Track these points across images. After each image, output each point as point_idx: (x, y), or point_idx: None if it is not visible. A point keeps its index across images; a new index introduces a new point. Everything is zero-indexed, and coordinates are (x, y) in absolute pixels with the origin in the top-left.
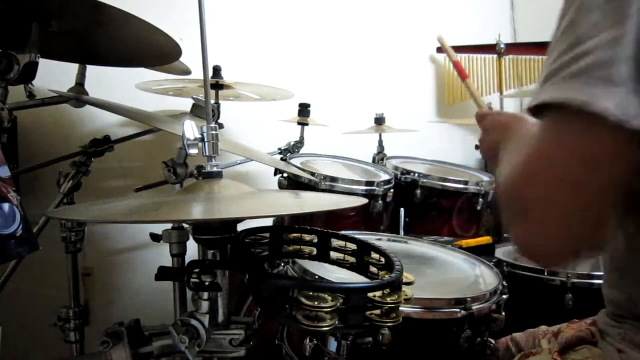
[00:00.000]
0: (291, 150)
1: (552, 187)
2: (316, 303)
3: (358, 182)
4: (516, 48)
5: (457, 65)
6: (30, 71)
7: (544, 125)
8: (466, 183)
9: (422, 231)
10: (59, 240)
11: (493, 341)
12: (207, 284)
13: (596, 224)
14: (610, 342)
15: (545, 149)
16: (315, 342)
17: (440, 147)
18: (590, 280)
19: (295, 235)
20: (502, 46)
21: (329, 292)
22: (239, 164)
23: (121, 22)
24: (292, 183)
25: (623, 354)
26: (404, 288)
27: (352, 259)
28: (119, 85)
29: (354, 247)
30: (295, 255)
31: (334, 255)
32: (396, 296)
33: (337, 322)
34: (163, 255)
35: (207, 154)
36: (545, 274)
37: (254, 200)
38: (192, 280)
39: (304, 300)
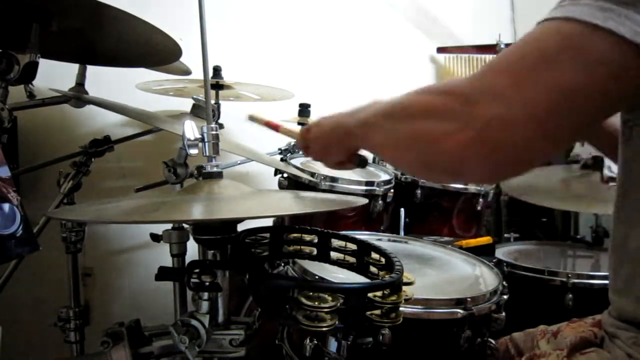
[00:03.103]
0: (291, 150)
1: (546, 89)
2: (316, 303)
3: (358, 182)
4: None
5: (268, 125)
6: (30, 71)
7: (544, 29)
8: (466, 183)
9: (422, 231)
10: (59, 240)
11: (493, 341)
12: (207, 284)
13: (568, 136)
14: (620, 345)
15: (546, 50)
16: (315, 342)
17: None
18: (590, 280)
19: (295, 235)
20: (502, 46)
21: (329, 292)
22: (239, 164)
23: (121, 22)
24: (292, 183)
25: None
26: (404, 288)
27: (352, 259)
28: (119, 85)
29: (354, 247)
30: (295, 255)
31: (334, 255)
32: (396, 296)
33: (337, 322)
34: (163, 255)
35: (207, 154)
36: (545, 274)
37: (254, 200)
38: (192, 280)
39: (304, 300)
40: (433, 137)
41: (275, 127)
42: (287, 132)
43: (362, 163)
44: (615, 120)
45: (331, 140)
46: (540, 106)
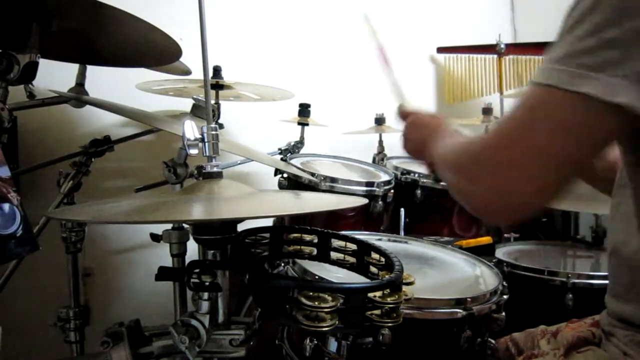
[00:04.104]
0: (291, 150)
1: (532, 152)
2: (316, 303)
3: (358, 183)
4: (516, 48)
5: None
6: (30, 71)
7: (530, 96)
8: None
9: (422, 231)
10: (59, 240)
11: (493, 341)
12: (207, 284)
13: (564, 183)
14: (616, 343)
15: (530, 118)
16: (315, 342)
17: None
18: (590, 280)
19: (295, 235)
20: (502, 46)
21: (329, 292)
22: (239, 164)
23: (121, 22)
24: (292, 183)
25: (629, 357)
26: (404, 288)
27: (352, 259)
28: (119, 85)
29: (354, 247)
30: (295, 255)
31: (334, 255)
32: (396, 296)
33: (337, 322)
34: (163, 255)
35: (207, 154)
36: (545, 274)
37: (254, 200)
38: (192, 280)
39: (304, 300)
40: (464, 194)
41: (386, 62)
42: (392, 82)
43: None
44: None
45: (417, 147)
46: (532, 171)
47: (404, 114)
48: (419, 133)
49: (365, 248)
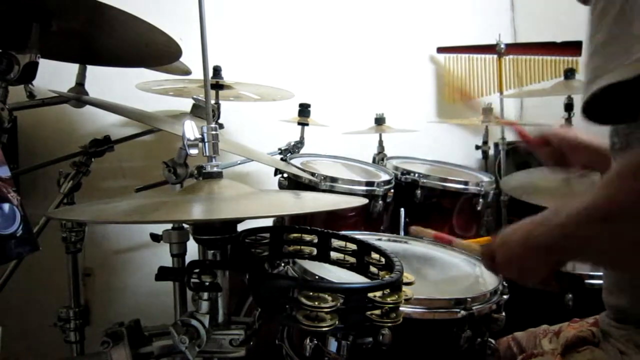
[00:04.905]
0: (291, 150)
1: None
2: (316, 303)
3: (358, 182)
4: (516, 48)
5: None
6: (30, 71)
7: None
8: (466, 183)
9: None
10: (59, 240)
11: (493, 341)
12: (207, 284)
13: None
14: (613, 343)
15: None
16: (315, 342)
17: (440, 147)
18: (590, 280)
19: (295, 235)
20: (502, 46)
21: (329, 292)
22: (239, 164)
23: (121, 22)
24: (292, 183)
25: (625, 356)
26: (404, 288)
27: (352, 259)
28: (119, 85)
29: (354, 247)
30: (295, 255)
31: (334, 255)
32: (396, 296)
33: (337, 322)
34: (163, 255)
35: (207, 154)
36: None
37: (254, 200)
38: (192, 280)
39: (304, 300)
40: None
41: (448, 242)
42: (465, 247)
43: (570, 283)
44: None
45: (526, 261)
46: None
47: (487, 257)
48: (513, 245)
49: (365, 248)
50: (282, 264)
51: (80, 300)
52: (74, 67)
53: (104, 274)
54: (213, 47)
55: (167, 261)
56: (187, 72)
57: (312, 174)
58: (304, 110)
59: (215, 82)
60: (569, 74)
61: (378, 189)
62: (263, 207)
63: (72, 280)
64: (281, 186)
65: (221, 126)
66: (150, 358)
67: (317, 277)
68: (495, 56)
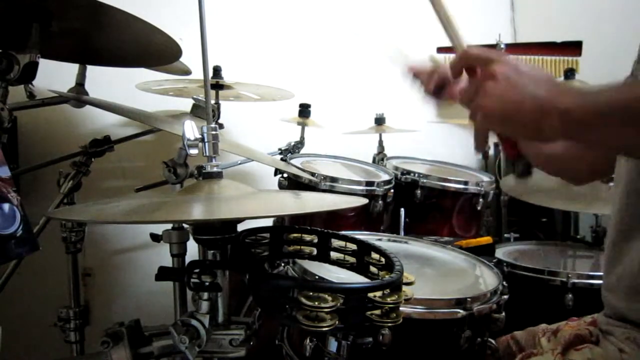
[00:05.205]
0: (291, 150)
1: None
2: (316, 303)
3: (358, 182)
4: (516, 48)
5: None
6: (30, 71)
7: None
8: (466, 183)
9: (422, 231)
10: (59, 240)
11: (493, 341)
12: (207, 284)
13: None
14: (613, 341)
15: None
16: (315, 342)
17: (440, 147)
18: (590, 280)
19: (295, 235)
20: (502, 46)
21: (329, 292)
22: (239, 164)
23: (121, 22)
24: (292, 183)
25: (625, 354)
26: (404, 288)
27: (352, 259)
28: (119, 85)
29: (354, 247)
30: (295, 255)
31: (334, 255)
32: (396, 296)
33: (337, 322)
34: (163, 255)
35: (207, 154)
36: (545, 274)
37: (254, 200)
38: (192, 280)
39: (304, 300)
40: None
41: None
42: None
43: (525, 172)
44: None
45: (519, 112)
46: None
47: (475, 57)
48: (517, 84)
49: (365, 248)
50: (282, 264)
51: (80, 300)
52: (74, 67)
53: (104, 274)
54: (213, 47)
55: (167, 261)
56: (187, 72)
57: (312, 174)
58: (304, 110)
59: (215, 82)
60: (569, 74)
61: (378, 189)
62: (263, 207)
63: (72, 280)
64: (281, 186)
65: (221, 126)
66: (150, 358)
67: (317, 277)
68: None
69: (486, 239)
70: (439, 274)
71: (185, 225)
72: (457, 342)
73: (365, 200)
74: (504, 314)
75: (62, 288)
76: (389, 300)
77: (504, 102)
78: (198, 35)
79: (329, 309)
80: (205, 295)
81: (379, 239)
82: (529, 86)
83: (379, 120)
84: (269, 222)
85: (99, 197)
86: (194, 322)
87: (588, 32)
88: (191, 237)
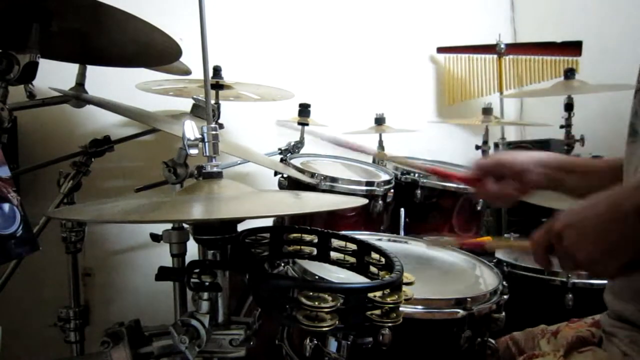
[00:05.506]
0: (291, 150)
1: None
2: (316, 303)
3: (358, 182)
4: (516, 48)
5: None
6: (30, 71)
7: None
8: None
9: (422, 231)
10: (59, 240)
11: (493, 341)
12: (207, 284)
13: None
14: (617, 343)
15: None
16: (315, 342)
17: (440, 147)
18: (590, 281)
19: (295, 235)
20: (502, 46)
21: (329, 292)
22: (239, 164)
23: (121, 22)
24: (292, 183)
25: (628, 357)
26: (404, 288)
27: (352, 259)
28: (119, 85)
29: (354, 247)
30: (295, 255)
31: (334, 255)
32: (396, 296)
33: (337, 322)
34: (163, 255)
35: (207, 154)
36: (545, 274)
37: (254, 200)
38: (192, 280)
39: (304, 300)
40: None
41: (479, 246)
42: (501, 247)
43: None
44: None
45: (615, 234)
46: None
47: (544, 239)
48: (590, 217)
49: (365, 248)
50: (282, 264)
51: (80, 300)
52: (74, 67)
53: (104, 274)
54: (213, 47)
55: (167, 261)
56: (187, 72)
57: (312, 174)
58: (304, 110)
59: (215, 82)
60: (569, 74)
61: (378, 189)
62: (263, 207)
63: (72, 280)
64: (281, 186)
65: (221, 126)
66: (150, 358)
67: (317, 277)
68: (495, 56)
69: (486, 239)
70: (439, 274)
71: (185, 225)
72: (457, 342)
73: (365, 200)
74: (504, 314)
75: (62, 288)
76: (389, 300)
77: (591, 246)
78: (198, 35)
79: (329, 309)
80: (205, 295)
81: (379, 239)
82: (601, 218)
83: (379, 120)
84: (269, 222)
85: (99, 197)
86: (194, 322)
87: (588, 32)
88: (191, 237)
